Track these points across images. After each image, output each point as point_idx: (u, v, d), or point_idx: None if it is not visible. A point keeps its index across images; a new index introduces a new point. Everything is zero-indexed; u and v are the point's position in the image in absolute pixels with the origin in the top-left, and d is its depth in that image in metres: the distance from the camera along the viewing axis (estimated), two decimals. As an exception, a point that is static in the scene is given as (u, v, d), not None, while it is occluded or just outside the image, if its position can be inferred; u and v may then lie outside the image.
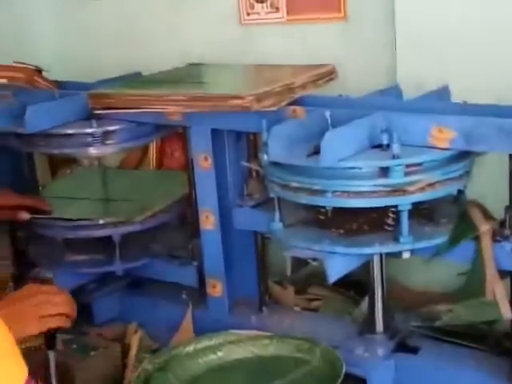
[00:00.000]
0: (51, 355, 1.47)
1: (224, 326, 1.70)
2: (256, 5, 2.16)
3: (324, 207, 1.52)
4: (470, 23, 1.76)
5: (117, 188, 2.15)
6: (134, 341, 1.81)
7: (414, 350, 1.61)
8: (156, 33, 2.37)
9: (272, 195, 1.57)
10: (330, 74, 1.84)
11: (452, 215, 1.54)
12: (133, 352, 1.78)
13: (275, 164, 1.52)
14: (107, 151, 1.86)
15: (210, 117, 1.70)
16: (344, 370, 1.48)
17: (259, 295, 1.84)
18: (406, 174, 1.41)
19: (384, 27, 1.94)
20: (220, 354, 1.63)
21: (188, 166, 1.88)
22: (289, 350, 1.60)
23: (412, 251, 1.48)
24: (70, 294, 1.54)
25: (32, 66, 2.11)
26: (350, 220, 1.54)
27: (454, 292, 1.65)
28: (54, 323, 1.44)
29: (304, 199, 1.48)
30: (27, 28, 2.63)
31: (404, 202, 1.43)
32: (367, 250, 1.48)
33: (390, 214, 1.51)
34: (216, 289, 1.82)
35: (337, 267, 1.46)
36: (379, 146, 1.47)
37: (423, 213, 1.55)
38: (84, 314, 1.82)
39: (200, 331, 1.77)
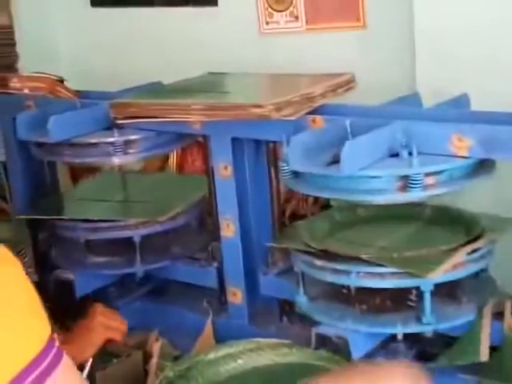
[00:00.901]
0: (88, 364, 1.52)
1: (244, 334, 1.71)
2: (275, 14, 2.17)
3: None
4: (490, 32, 1.76)
5: (137, 190, 2.16)
6: (155, 348, 1.81)
7: (433, 358, 1.61)
8: (176, 42, 2.39)
9: (296, 270, 1.63)
10: (349, 83, 1.85)
11: (473, 292, 1.57)
12: (154, 360, 1.78)
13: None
14: (129, 160, 1.89)
15: (230, 126, 1.71)
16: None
17: (279, 304, 1.84)
18: (426, 187, 1.42)
19: (403, 35, 1.95)
20: (240, 361, 1.63)
21: (208, 175, 1.90)
22: (309, 358, 1.60)
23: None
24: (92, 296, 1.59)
25: (53, 75, 2.14)
26: (373, 295, 1.57)
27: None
28: (114, 334, 1.59)
29: (329, 278, 1.55)
30: (48, 38, 2.67)
31: (426, 283, 1.47)
32: (390, 330, 1.54)
33: (413, 291, 1.53)
34: (236, 296, 1.83)
35: (360, 345, 1.52)
36: (397, 154, 1.48)
37: (445, 289, 1.56)
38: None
39: (221, 339, 1.78)
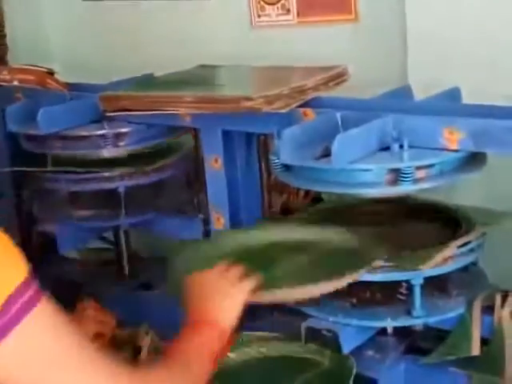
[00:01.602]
0: None
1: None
2: (267, 7, 2.16)
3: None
4: (480, 25, 1.76)
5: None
6: (146, 342, 1.81)
7: (424, 352, 1.61)
8: (169, 35, 2.38)
9: None
10: (341, 76, 1.83)
11: (463, 286, 1.57)
12: (144, 353, 1.78)
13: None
14: (119, 153, 1.87)
15: (220, 118, 1.70)
16: (354, 371, 1.48)
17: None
18: (416, 180, 1.41)
19: (395, 28, 1.94)
20: (230, 354, 1.63)
21: (199, 167, 1.89)
22: (298, 352, 1.60)
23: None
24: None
25: (44, 68, 2.13)
26: (364, 288, 1.57)
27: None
28: (103, 329, 1.61)
29: None
30: (39, 31, 2.65)
31: (416, 277, 1.47)
32: (380, 324, 1.54)
33: (403, 284, 1.53)
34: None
35: (350, 339, 1.52)
36: (388, 148, 1.48)
37: (435, 283, 1.55)
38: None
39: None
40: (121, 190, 1.87)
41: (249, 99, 1.62)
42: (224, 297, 1.37)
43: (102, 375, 1.03)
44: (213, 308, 1.35)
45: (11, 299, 0.96)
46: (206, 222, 1.85)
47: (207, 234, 1.86)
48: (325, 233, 1.60)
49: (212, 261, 1.45)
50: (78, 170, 1.87)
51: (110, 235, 2.18)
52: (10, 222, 2.11)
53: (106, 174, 1.87)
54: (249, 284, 1.39)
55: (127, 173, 1.87)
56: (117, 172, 1.87)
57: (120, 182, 1.87)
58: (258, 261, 1.48)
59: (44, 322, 0.99)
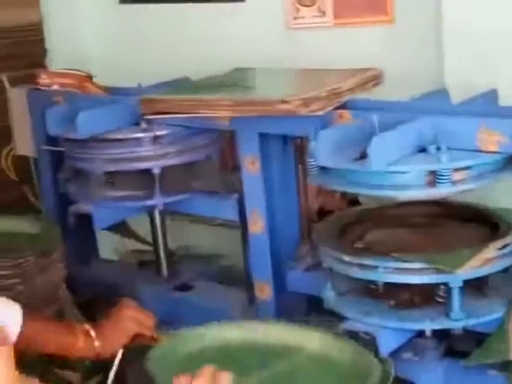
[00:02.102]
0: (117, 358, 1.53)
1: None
2: (302, 9, 2.17)
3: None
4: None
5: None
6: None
7: (463, 354, 1.60)
8: (204, 38, 2.39)
9: (325, 265, 1.63)
10: (376, 78, 1.84)
11: (502, 288, 1.57)
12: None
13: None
14: (157, 154, 1.89)
15: (257, 121, 1.71)
16: (393, 374, 1.48)
17: (307, 299, 1.84)
18: (454, 182, 1.41)
19: (431, 30, 1.94)
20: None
21: (236, 169, 1.90)
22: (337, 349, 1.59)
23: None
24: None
25: (82, 72, 2.16)
26: (401, 290, 1.56)
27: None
28: (143, 329, 1.54)
29: (356, 273, 1.55)
30: (76, 35, 2.68)
31: (455, 279, 1.46)
32: (418, 326, 1.53)
33: (441, 286, 1.53)
34: (264, 292, 1.83)
35: (388, 341, 1.52)
36: (424, 150, 1.48)
37: (474, 285, 1.55)
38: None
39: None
40: (156, 170, 1.88)
41: (285, 102, 1.63)
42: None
43: None
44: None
45: None
46: (241, 201, 1.85)
47: (242, 214, 1.85)
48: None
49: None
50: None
51: (147, 235, 2.21)
52: (48, 203, 2.16)
53: (142, 154, 1.88)
54: None
55: (162, 153, 1.88)
56: (152, 152, 1.88)
57: (155, 162, 1.88)
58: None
59: None
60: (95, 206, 1.93)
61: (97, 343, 1.46)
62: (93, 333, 1.45)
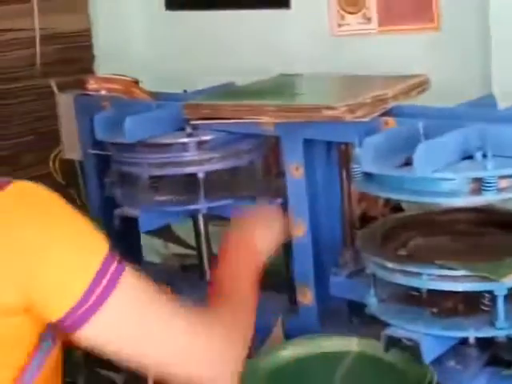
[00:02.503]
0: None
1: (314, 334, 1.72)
2: (348, 16, 2.17)
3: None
4: None
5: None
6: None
7: (507, 364, 1.58)
8: (249, 44, 2.41)
9: (368, 272, 1.62)
10: (422, 85, 1.83)
11: None
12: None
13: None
14: (202, 159, 1.91)
15: (301, 127, 1.72)
16: (435, 382, 1.47)
17: (349, 305, 1.84)
18: (500, 190, 1.40)
19: (477, 37, 1.93)
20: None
21: (279, 175, 1.91)
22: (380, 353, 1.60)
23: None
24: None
25: (129, 77, 2.19)
26: (445, 297, 1.55)
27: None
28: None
29: (400, 280, 1.54)
30: (123, 41, 2.73)
31: (500, 287, 1.45)
32: (462, 334, 1.52)
33: (486, 294, 1.51)
34: (306, 297, 1.84)
35: (432, 348, 1.51)
36: (470, 157, 1.47)
37: None
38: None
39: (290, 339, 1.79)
40: (200, 175, 1.90)
41: (331, 108, 1.64)
42: (264, 227, 1.46)
43: (183, 327, 1.14)
44: (252, 235, 1.43)
45: (99, 275, 1.04)
46: (284, 207, 1.85)
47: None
48: None
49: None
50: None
51: (191, 239, 2.23)
52: (94, 206, 2.20)
53: (187, 159, 1.90)
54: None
55: (206, 158, 1.90)
56: (196, 157, 1.90)
57: (200, 166, 1.90)
58: None
59: (129, 290, 1.08)
60: (140, 209, 1.95)
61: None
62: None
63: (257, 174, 2.01)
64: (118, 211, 2.02)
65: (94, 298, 1.03)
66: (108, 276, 1.05)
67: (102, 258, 1.06)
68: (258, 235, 1.45)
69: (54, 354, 1.15)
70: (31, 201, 1.06)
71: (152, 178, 1.94)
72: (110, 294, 1.05)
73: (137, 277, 1.10)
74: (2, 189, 1.07)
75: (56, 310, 1.04)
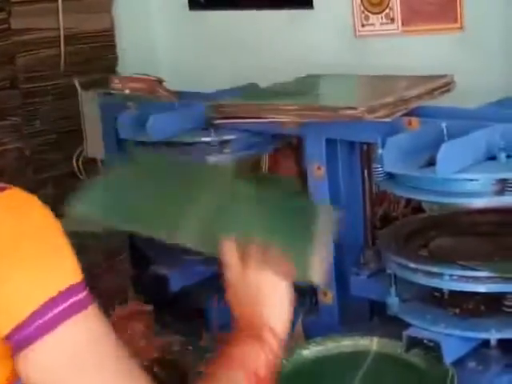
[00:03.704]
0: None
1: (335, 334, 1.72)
2: (371, 16, 2.17)
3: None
4: None
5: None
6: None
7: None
8: (272, 44, 2.42)
9: (389, 271, 1.62)
10: (446, 85, 1.83)
11: None
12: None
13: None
14: (224, 159, 1.92)
15: (324, 127, 1.73)
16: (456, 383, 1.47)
17: (370, 305, 1.84)
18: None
19: (502, 36, 1.92)
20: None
21: (300, 176, 1.92)
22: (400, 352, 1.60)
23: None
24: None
25: (153, 77, 2.20)
26: (467, 298, 1.56)
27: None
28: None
29: (421, 280, 1.54)
30: (147, 41, 2.74)
31: None
32: (483, 335, 1.52)
33: (508, 295, 1.51)
34: (327, 297, 1.84)
35: (453, 349, 1.51)
36: (493, 158, 1.47)
37: None
38: (200, 318, 1.92)
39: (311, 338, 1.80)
40: None
41: (351, 108, 1.64)
42: (272, 293, 1.11)
43: None
44: (261, 312, 1.10)
45: (56, 300, 0.97)
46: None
47: None
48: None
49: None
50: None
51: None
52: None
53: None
54: (288, 266, 1.09)
55: None
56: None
57: None
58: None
59: (87, 327, 0.99)
60: (171, 269, 1.99)
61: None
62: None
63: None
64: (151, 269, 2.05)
65: (41, 321, 0.96)
66: (66, 305, 0.97)
67: (65, 284, 0.98)
68: (266, 311, 1.11)
69: None
70: (15, 208, 1.00)
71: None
72: (61, 323, 0.97)
73: (99, 321, 1.00)
74: None
75: (3, 325, 0.96)
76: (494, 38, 1.96)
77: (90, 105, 2.29)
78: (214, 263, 1.93)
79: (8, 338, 0.97)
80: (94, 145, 2.33)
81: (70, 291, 0.98)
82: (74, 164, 2.48)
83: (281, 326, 1.10)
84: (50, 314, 0.96)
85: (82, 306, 0.99)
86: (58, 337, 0.96)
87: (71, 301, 0.98)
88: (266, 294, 1.11)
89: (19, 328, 0.96)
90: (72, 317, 0.97)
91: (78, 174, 2.46)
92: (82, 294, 0.99)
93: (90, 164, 2.48)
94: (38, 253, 0.99)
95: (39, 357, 0.97)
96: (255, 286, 1.11)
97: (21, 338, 0.96)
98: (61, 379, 0.98)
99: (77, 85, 2.38)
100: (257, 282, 1.11)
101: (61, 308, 0.97)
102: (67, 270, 1.00)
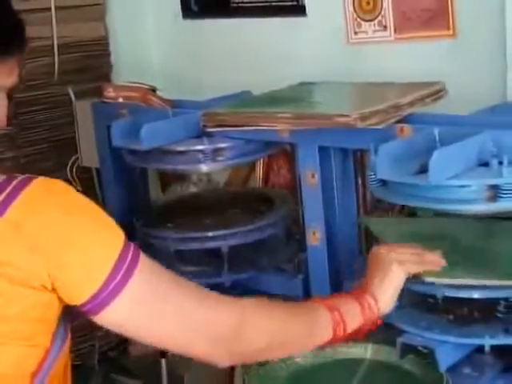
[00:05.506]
0: (163, 363, 1.54)
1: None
2: (364, 24, 2.18)
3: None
4: None
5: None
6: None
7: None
8: (265, 52, 2.42)
9: None
10: (438, 92, 1.83)
11: None
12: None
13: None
14: (217, 168, 1.93)
15: (317, 134, 1.73)
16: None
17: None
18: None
19: (494, 43, 1.93)
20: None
21: (295, 183, 1.92)
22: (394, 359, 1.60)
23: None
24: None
25: (146, 85, 2.21)
26: (461, 305, 1.55)
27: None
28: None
29: (415, 287, 1.53)
30: (141, 50, 2.75)
31: None
32: (477, 341, 1.51)
33: (502, 301, 1.51)
34: (322, 304, 1.84)
35: (448, 355, 1.50)
36: (486, 164, 1.47)
37: None
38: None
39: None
40: (224, 249, 1.93)
41: (343, 115, 1.64)
42: (385, 273, 1.43)
43: (197, 303, 1.18)
44: (378, 281, 1.43)
45: (119, 260, 1.11)
46: (306, 281, 1.89)
47: (307, 293, 1.88)
48: None
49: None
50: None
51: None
52: (111, 213, 2.19)
53: (210, 234, 1.95)
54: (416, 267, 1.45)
55: (230, 233, 1.95)
56: (221, 232, 1.95)
57: (223, 241, 1.94)
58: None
59: (146, 274, 1.14)
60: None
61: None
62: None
63: (279, 245, 2.04)
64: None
65: (115, 282, 1.09)
66: (127, 262, 1.11)
67: (120, 245, 1.12)
68: (376, 283, 1.44)
69: (66, 348, 1.19)
70: (55, 191, 1.13)
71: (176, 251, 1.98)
72: (130, 279, 1.11)
73: (151, 262, 1.16)
74: (28, 184, 1.12)
75: (80, 294, 1.10)
76: (487, 46, 1.97)
77: (83, 114, 2.30)
78: (208, 275, 1.96)
79: (83, 304, 1.11)
80: (88, 153, 2.33)
81: (126, 247, 1.13)
82: (68, 173, 2.48)
83: (383, 303, 1.42)
84: (120, 273, 1.10)
85: (137, 255, 1.14)
86: (130, 290, 1.10)
87: (130, 255, 1.12)
88: (388, 273, 1.42)
89: (97, 294, 1.10)
90: (136, 268, 1.12)
91: (73, 182, 2.47)
92: (132, 246, 1.15)
93: (85, 172, 2.49)
94: (91, 223, 1.13)
95: (117, 314, 1.11)
96: (388, 263, 1.43)
97: (99, 302, 1.10)
98: (147, 315, 1.14)
99: (71, 94, 2.39)
100: (389, 263, 1.43)
101: (126, 265, 1.11)
102: (116, 230, 1.15)
